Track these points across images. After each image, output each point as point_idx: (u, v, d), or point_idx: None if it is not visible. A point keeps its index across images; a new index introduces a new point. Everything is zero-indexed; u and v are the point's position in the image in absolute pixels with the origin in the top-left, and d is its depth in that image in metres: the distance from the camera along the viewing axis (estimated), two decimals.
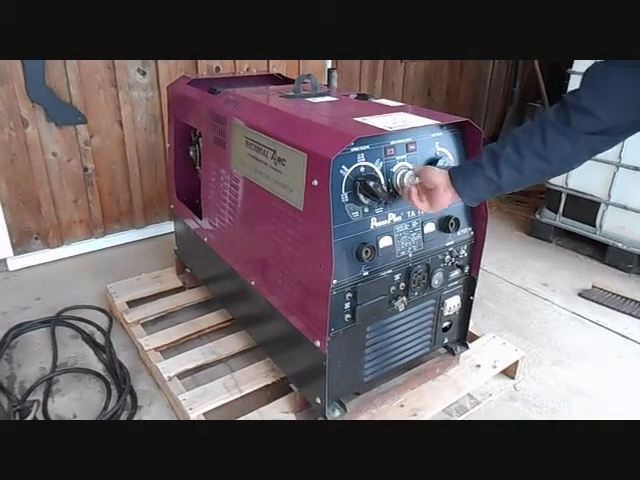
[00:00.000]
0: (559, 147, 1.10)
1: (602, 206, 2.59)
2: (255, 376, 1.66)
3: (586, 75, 1.09)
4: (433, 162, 1.39)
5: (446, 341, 1.68)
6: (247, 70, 2.76)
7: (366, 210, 1.31)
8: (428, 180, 1.23)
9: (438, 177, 1.21)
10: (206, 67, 2.64)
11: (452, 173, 1.21)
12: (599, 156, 1.17)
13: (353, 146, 1.26)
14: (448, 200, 1.23)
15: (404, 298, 1.42)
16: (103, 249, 2.63)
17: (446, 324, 1.64)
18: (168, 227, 2.67)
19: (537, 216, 2.90)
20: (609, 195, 2.54)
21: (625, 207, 2.50)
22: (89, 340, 1.94)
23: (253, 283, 1.62)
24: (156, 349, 1.81)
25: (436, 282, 1.50)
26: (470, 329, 1.74)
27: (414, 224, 1.41)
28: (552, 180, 2.75)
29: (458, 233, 1.50)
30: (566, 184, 2.69)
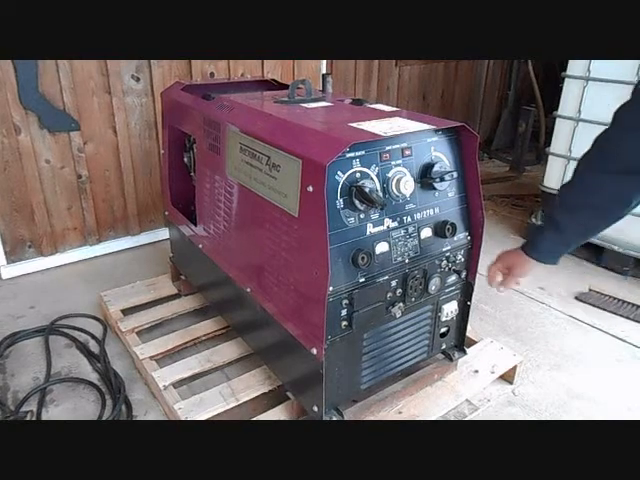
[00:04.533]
0: (604, 191, 1.12)
1: None
2: (252, 384, 1.65)
3: (615, 116, 1.11)
4: (429, 167, 1.39)
5: (444, 347, 1.67)
6: (241, 75, 2.75)
7: (362, 216, 1.30)
8: (513, 267, 1.35)
9: (519, 259, 1.32)
10: (200, 73, 2.63)
11: (525, 248, 1.31)
12: None
13: (348, 152, 1.25)
14: (531, 268, 1.33)
15: (401, 304, 1.41)
16: (97, 256, 2.61)
17: (443, 330, 1.63)
18: (163, 234, 2.65)
19: (533, 219, 2.90)
20: None
21: None
22: (83, 349, 1.92)
23: (249, 290, 1.60)
24: (151, 358, 1.79)
25: (433, 288, 1.49)
26: (468, 334, 1.73)
27: (410, 229, 1.40)
28: (547, 183, 2.75)
29: (455, 238, 1.49)
30: None
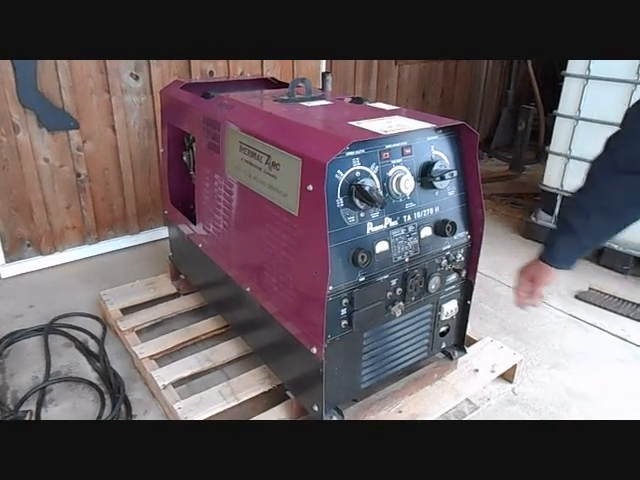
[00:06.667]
0: (617, 192, 1.13)
1: None
2: (251, 383, 1.64)
3: (625, 118, 1.12)
4: (429, 166, 1.38)
5: (444, 346, 1.67)
6: (241, 74, 2.75)
7: (362, 215, 1.29)
8: (535, 277, 1.36)
9: (540, 270, 1.33)
10: (199, 71, 2.62)
11: (543, 256, 1.33)
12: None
13: (348, 150, 1.24)
14: (553, 276, 1.34)
15: (401, 303, 1.41)
16: (96, 255, 2.61)
17: (443, 329, 1.63)
18: (162, 233, 2.64)
19: (533, 218, 2.89)
20: None
21: None
22: (83, 348, 1.92)
23: (248, 289, 1.60)
24: (151, 357, 1.79)
25: (433, 287, 1.48)
26: (468, 333, 1.73)
27: (410, 228, 1.39)
28: (547, 182, 2.74)
29: (455, 237, 1.49)
30: (561, 186, 2.68)
